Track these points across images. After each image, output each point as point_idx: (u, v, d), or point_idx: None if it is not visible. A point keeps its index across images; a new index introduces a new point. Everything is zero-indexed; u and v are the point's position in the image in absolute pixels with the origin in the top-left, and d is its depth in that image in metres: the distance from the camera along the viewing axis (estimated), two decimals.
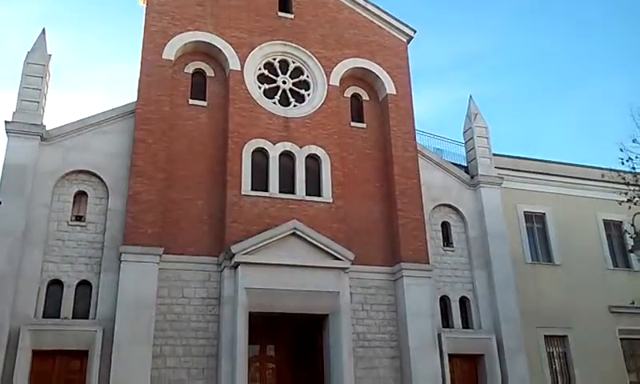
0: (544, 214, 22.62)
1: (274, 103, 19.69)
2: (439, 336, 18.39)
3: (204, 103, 19.12)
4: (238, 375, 15.77)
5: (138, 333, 15.44)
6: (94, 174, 17.32)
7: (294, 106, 19.99)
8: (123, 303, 15.66)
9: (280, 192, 18.49)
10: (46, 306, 15.74)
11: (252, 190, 18.18)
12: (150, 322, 15.70)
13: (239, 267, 16.91)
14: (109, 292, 15.97)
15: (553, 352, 20.73)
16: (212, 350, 16.43)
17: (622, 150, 16.70)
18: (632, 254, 20.06)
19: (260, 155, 18.78)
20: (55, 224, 16.55)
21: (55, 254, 16.25)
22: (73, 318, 15.79)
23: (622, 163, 16.78)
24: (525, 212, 22.40)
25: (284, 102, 19.95)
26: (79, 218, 16.88)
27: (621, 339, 21.63)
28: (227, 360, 16.04)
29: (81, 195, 17.19)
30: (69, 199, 16.97)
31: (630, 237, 15.68)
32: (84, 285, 16.23)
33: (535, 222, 22.63)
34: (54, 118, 31.48)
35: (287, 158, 19.11)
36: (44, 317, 15.59)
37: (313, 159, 19.36)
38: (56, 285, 16.04)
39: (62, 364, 15.41)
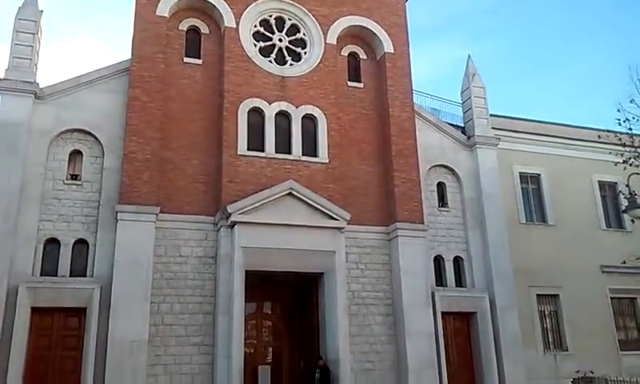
0: (539, 174, 22.75)
1: (270, 62, 19.45)
2: (433, 294, 18.67)
3: (199, 61, 18.88)
4: (235, 332, 16.04)
5: (136, 290, 15.62)
6: (89, 133, 17.22)
7: (290, 64, 19.77)
8: (120, 261, 15.80)
9: (276, 152, 18.45)
10: (44, 264, 15.86)
11: (248, 150, 18.13)
12: (147, 279, 15.86)
13: (236, 227, 17.00)
14: (106, 250, 16.09)
15: (544, 310, 21.16)
16: (209, 307, 16.67)
17: (619, 111, 16.67)
18: (625, 215, 20.29)
19: (256, 115, 18.65)
20: (51, 183, 16.53)
21: (51, 212, 16.27)
22: (70, 276, 15.93)
23: (619, 124, 16.76)
24: (520, 173, 22.52)
25: (280, 60, 19.71)
26: (75, 177, 16.85)
27: (611, 298, 22.10)
28: (224, 317, 16.29)
29: (76, 154, 17.12)
30: (64, 158, 16.90)
31: (625, 197, 15.79)
32: (81, 243, 16.33)
33: (530, 183, 22.77)
34: (48, 74, 31.04)
35: (283, 117, 19.00)
36: (42, 275, 15.72)
37: (309, 119, 19.25)
38: (53, 243, 16.12)
39: (61, 321, 15.66)
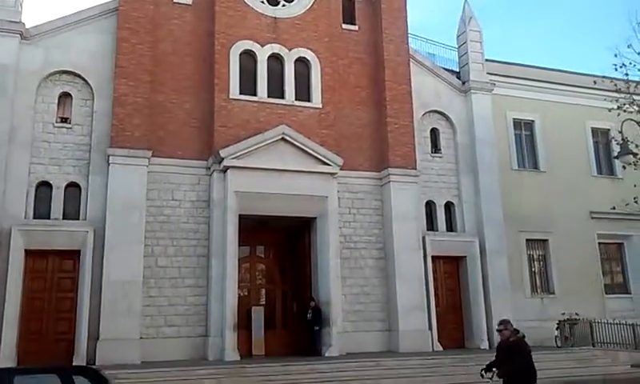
0: (533, 121, 22.70)
1: (262, 2, 18.99)
2: (423, 238, 18.91)
3: (189, 1, 18.39)
4: (229, 274, 16.28)
5: (129, 233, 15.73)
6: (78, 75, 16.94)
7: (283, 5, 19.31)
8: (113, 205, 15.83)
9: (269, 96, 18.25)
10: (36, 208, 15.89)
11: (240, 94, 17.92)
12: (140, 222, 15.94)
13: (228, 171, 16.99)
14: (98, 194, 16.09)
15: (533, 255, 21.54)
16: (203, 250, 16.84)
17: (616, 56, 16.43)
18: (616, 162, 20.39)
19: (248, 58, 18.34)
20: (40, 125, 16.36)
21: (42, 155, 16.17)
22: (63, 219, 15.98)
23: (616, 69, 16.54)
24: (514, 119, 22.46)
25: (272, 1, 19.24)
26: (65, 120, 16.67)
27: (599, 243, 22.46)
28: (218, 260, 16.49)
29: (65, 97, 16.88)
30: (53, 100, 16.67)
31: (617, 144, 15.81)
32: (73, 187, 16.31)
33: (524, 130, 22.74)
34: (35, 15, 30.23)
35: (276, 61, 18.69)
36: (34, 218, 15.77)
37: (302, 63, 18.95)
38: (45, 186, 16.09)
39: (55, 263, 15.82)
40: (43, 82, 16.59)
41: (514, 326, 8.74)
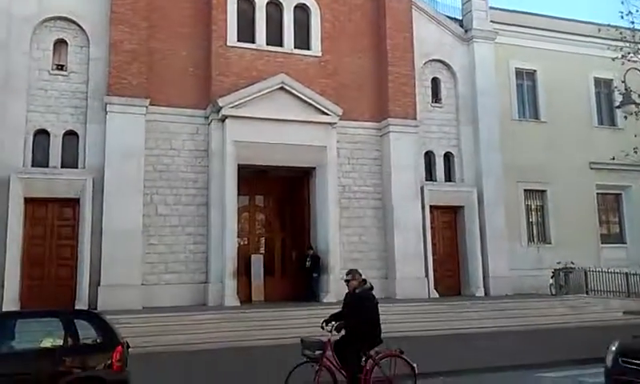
0: (535, 70, 22.42)
1: None
2: (422, 188, 18.96)
3: None
4: (228, 223, 16.40)
5: (128, 181, 15.77)
6: (73, 21, 16.65)
7: None
8: (111, 153, 15.82)
9: (267, 44, 17.98)
10: (34, 156, 15.90)
11: (238, 41, 17.65)
12: (138, 171, 15.97)
13: (227, 121, 16.89)
14: (96, 142, 16.06)
15: (531, 205, 21.66)
16: (202, 199, 16.92)
17: (622, 3, 16.12)
18: (618, 112, 20.24)
19: (246, 4, 17.98)
20: (36, 73, 16.18)
21: (38, 103, 16.06)
22: (62, 167, 15.99)
23: (622, 17, 16.27)
24: (516, 68, 22.20)
25: None
26: (61, 67, 16.48)
27: (597, 194, 22.54)
28: (217, 209, 16.59)
29: (61, 43, 16.64)
30: (48, 47, 16.44)
31: (620, 93, 15.65)
32: (71, 135, 16.27)
33: (526, 79, 22.50)
34: None
35: (275, 7, 18.33)
36: (33, 166, 15.78)
37: (301, 10, 18.59)
38: (42, 135, 16.05)
39: (55, 211, 15.94)
40: (38, 28, 16.31)
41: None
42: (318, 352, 7.73)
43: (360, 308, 7.84)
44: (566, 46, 22.71)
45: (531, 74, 22.49)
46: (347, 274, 8.28)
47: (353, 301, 8.00)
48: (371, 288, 8.15)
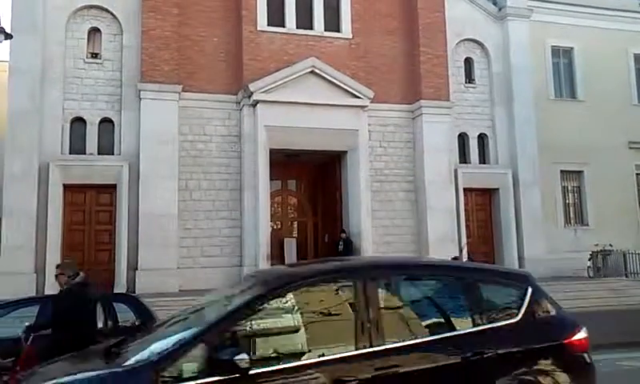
0: (572, 48, 21.80)
1: None
2: (455, 171, 18.73)
3: None
4: (261, 206, 16.53)
5: (163, 167, 16.02)
6: (106, 10, 16.88)
7: None
8: (146, 139, 16.07)
9: (297, 28, 17.92)
10: (72, 143, 16.24)
11: (268, 25, 17.64)
12: (173, 157, 16.19)
13: (258, 105, 16.95)
14: (131, 129, 16.33)
15: (567, 186, 21.18)
16: (235, 184, 17.07)
17: None
18: None
19: None
20: (72, 61, 16.48)
21: (74, 91, 16.37)
22: (98, 154, 16.33)
23: None
24: (552, 46, 21.62)
25: None
26: (95, 56, 16.74)
27: (637, 174, 21.90)
28: (250, 193, 16.72)
29: (94, 32, 16.89)
30: (83, 36, 16.71)
31: None
32: (106, 122, 16.56)
33: (562, 57, 21.89)
34: None
35: None
36: (70, 153, 16.14)
37: None
38: (79, 122, 16.38)
39: (93, 197, 16.30)
40: (72, 17, 16.59)
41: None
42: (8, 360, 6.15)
43: (62, 314, 6.16)
44: (605, 22, 21.99)
45: (568, 52, 21.87)
46: (56, 268, 6.69)
47: (55, 305, 6.54)
48: (85, 283, 6.50)
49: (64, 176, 15.72)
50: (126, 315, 8.07)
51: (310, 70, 17.40)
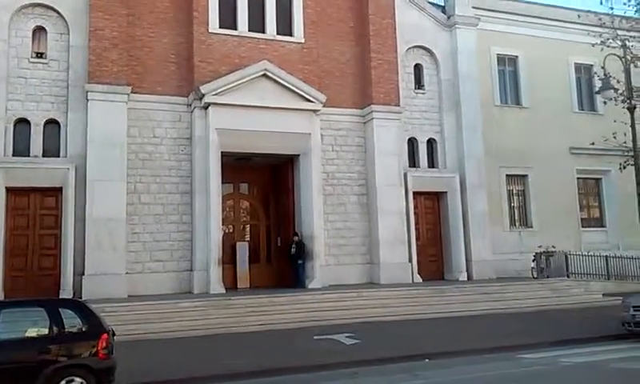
0: (516, 56, 22.63)
1: None
2: (405, 175, 19.09)
3: None
4: (212, 210, 16.39)
5: (111, 170, 15.67)
6: (52, 8, 16.40)
7: None
8: (93, 141, 15.69)
9: (250, 30, 17.90)
10: (15, 145, 15.69)
11: (220, 27, 17.55)
12: (121, 159, 15.86)
13: (209, 108, 16.83)
14: (78, 131, 15.91)
15: (512, 189, 21.96)
16: (186, 187, 16.88)
17: None
18: (598, 97, 20.50)
19: None
20: (15, 61, 15.94)
21: (18, 92, 15.84)
22: (43, 156, 15.83)
23: (601, 3, 16.51)
24: (498, 54, 22.38)
25: None
26: (40, 55, 16.25)
27: (577, 178, 22.91)
28: (201, 196, 16.57)
29: (40, 31, 16.40)
30: (27, 35, 16.20)
31: (599, 79, 15.88)
32: (52, 123, 16.08)
33: (507, 65, 22.69)
34: None
35: None
36: (14, 155, 15.59)
37: None
38: (23, 123, 15.85)
39: (37, 200, 15.77)
40: (15, 15, 16.06)
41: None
42: None
43: None
44: (547, 32, 22.93)
45: (513, 60, 22.70)
46: None
47: None
48: None
49: (7, 179, 15.15)
50: (72, 321, 7.85)
51: (262, 73, 17.41)
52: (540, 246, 19.87)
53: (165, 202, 16.61)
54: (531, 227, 21.69)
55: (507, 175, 21.68)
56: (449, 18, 20.97)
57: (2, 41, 15.71)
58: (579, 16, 18.98)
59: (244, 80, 17.20)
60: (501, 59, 22.48)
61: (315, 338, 12.16)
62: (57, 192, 15.71)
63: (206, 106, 16.82)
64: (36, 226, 15.67)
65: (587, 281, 18.90)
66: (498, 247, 20.21)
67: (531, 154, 21.72)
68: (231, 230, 19.12)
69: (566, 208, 22.17)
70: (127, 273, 15.66)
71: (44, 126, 15.98)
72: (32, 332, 7.80)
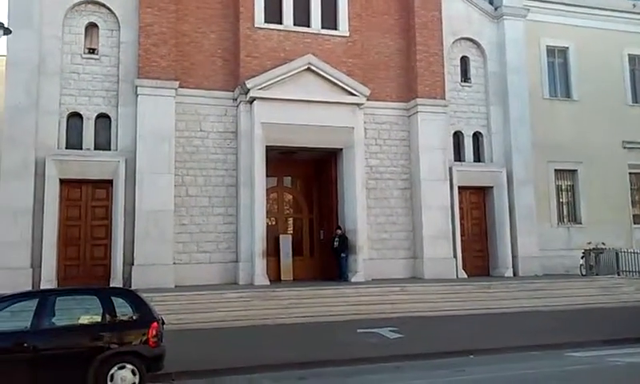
0: (567, 48, 21.95)
1: None
2: (450, 169, 18.84)
3: None
4: (257, 203, 16.61)
5: (159, 163, 16.08)
6: (103, 5, 16.88)
7: None
8: (143, 135, 16.12)
9: (294, 25, 17.99)
10: (68, 138, 16.27)
11: (265, 22, 17.70)
12: (169, 152, 16.25)
13: (255, 102, 17.02)
14: (128, 124, 16.37)
15: (561, 185, 21.35)
16: (231, 180, 17.15)
17: None
18: None
19: None
20: (69, 56, 16.50)
21: (71, 87, 16.40)
22: (95, 149, 16.36)
23: None
24: (547, 46, 21.75)
25: None
26: (92, 51, 16.76)
27: (630, 173, 22.08)
28: (246, 189, 16.81)
29: (92, 27, 16.91)
30: (80, 31, 16.73)
31: None
32: (103, 117, 16.59)
33: (557, 57, 22.04)
34: None
35: None
36: (67, 148, 16.17)
37: None
38: (75, 117, 16.41)
39: (89, 192, 16.33)
40: (69, 12, 16.60)
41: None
42: None
43: None
44: (600, 22, 22.15)
45: (563, 52, 22.03)
46: None
47: None
48: None
49: (60, 171, 15.74)
50: (124, 310, 8.11)
51: (306, 67, 17.48)
52: (589, 243, 19.29)
53: (211, 194, 16.93)
54: (580, 223, 21.06)
55: (556, 170, 21.09)
56: (496, 8, 20.54)
57: (56, 38, 16.27)
58: (634, 5, 18.29)
59: (288, 74, 17.31)
60: (550, 51, 21.85)
61: (358, 331, 12.19)
62: (107, 184, 16.23)
63: (252, 101, 17.02)
64: (88, 216, 16.23)
65: (639, 279, 18.25)
66: (545, 243, 19.75)
67: (581, 149, 21.06)
68: (275, 223, 19.32)
69: (617, 204, 21.43)
70: (175, 263, 16.07)
71: (95, 120, 16.50)
72: (85, 319, 8.09)
